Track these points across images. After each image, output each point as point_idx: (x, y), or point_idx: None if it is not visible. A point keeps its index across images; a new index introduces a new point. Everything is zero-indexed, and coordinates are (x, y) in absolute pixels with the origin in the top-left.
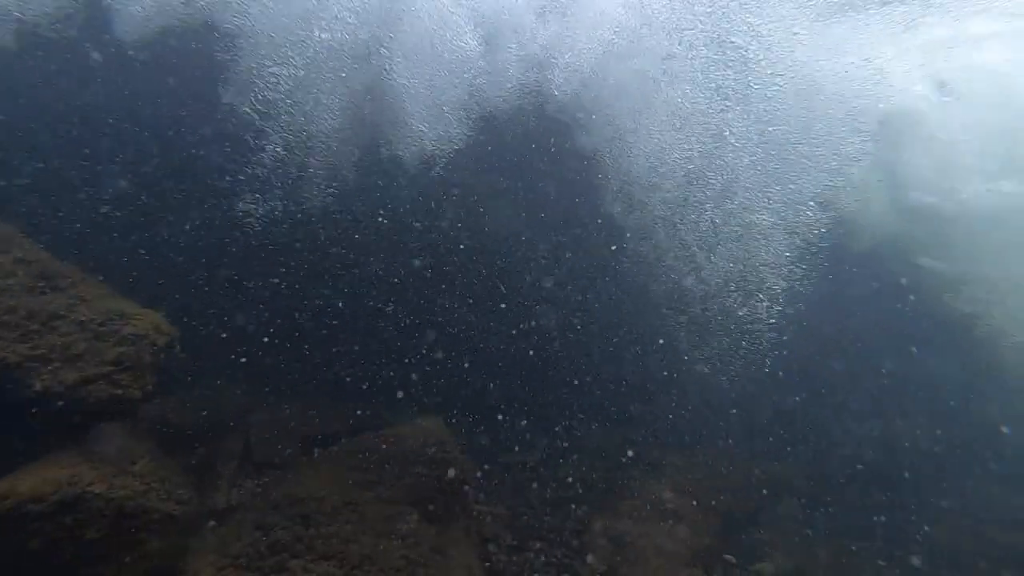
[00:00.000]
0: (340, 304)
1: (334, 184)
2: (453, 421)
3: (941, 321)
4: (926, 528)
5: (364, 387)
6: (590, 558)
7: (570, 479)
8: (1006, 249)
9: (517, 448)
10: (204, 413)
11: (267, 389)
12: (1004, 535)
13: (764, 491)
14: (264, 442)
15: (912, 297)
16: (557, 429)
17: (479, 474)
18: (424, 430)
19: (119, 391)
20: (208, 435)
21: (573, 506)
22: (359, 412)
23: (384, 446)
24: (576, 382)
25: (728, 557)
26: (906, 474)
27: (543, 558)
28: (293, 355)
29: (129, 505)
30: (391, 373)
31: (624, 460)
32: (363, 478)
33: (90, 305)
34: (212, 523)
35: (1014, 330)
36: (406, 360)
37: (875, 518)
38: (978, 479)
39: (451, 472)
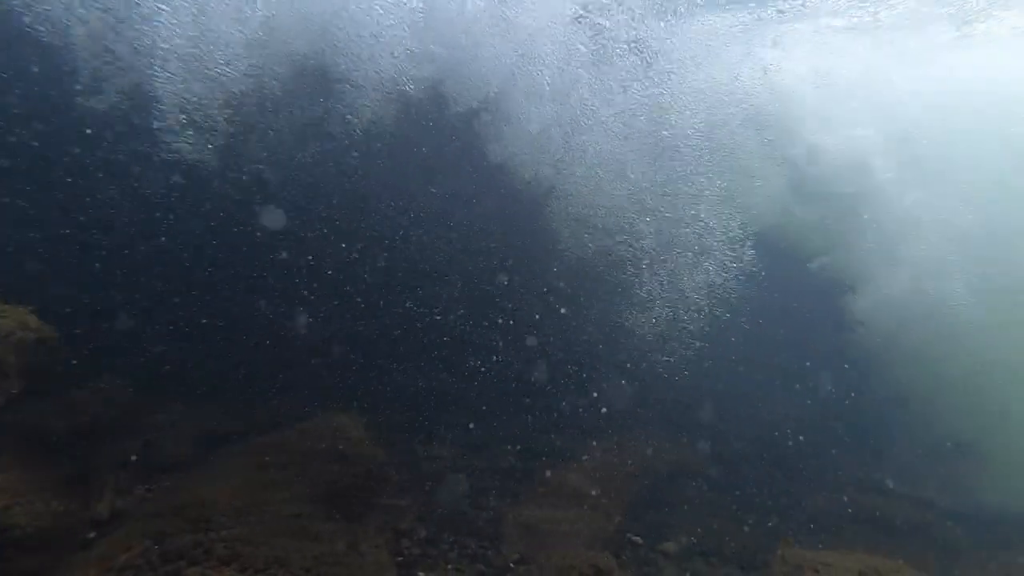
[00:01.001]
0: (243, 297)
1: (217, 173)
2: (365, 416)
3: (824, 305)
4: (804, 499)
5: (270, 383)
6: (504, 546)
7: (484, 470)
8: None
9: (431, 441)
10: (87, 416)
11: (162, 388)
12: (860, 496)
13: (669, 474)
14: (159, 444)
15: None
16: (471, 421)
17: (392, 468)
18: (335, 426)
19: None
20: (92, 440)
21: (487, 496)
22: (265, 409)
23: (293, 443)
24: (489, 373)
25: (635, 538)
26: (790, 452)
27: (457, 549)
28: (193, 351)
29: None
30: (298, 368)
31: (537, 449)
32: (271, 477)
33: None
34: (92, 535)
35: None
36: (315, 354)
37: (766, 495)
38: (844, 451)
39: (363, 467)
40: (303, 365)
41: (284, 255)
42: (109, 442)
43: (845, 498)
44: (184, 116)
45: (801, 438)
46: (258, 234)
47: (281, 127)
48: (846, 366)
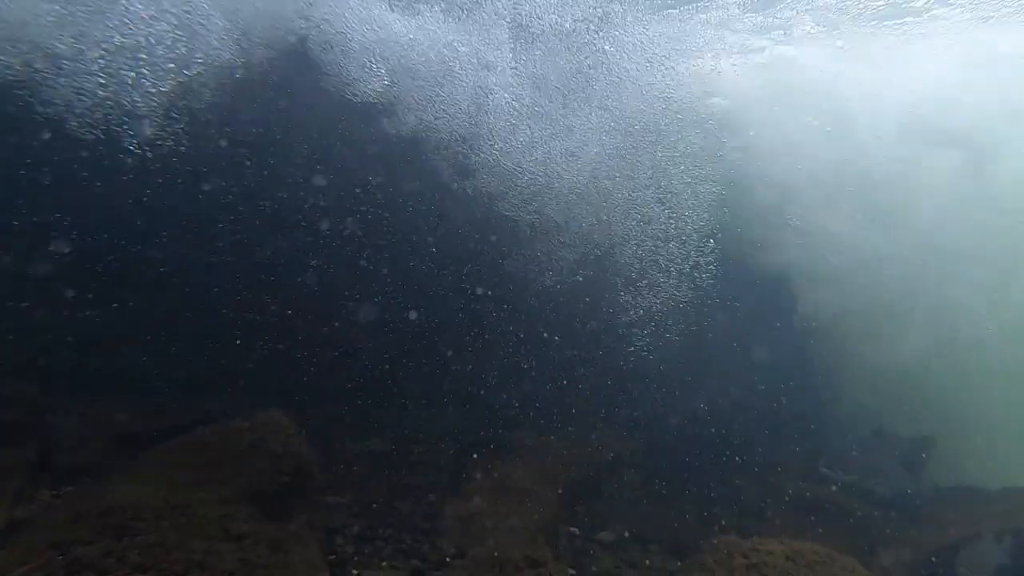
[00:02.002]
0: (165, 289)
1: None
2: (295, 412)
3: (761, 298)
4: (737, 483)
5: (194, 380)
6: (440, 541)
7: (420, 464)
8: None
9: (365, 436)
10: None
11: (72, 386)
12: (790, 483)
13: (605, 465)
14: (67, 446)
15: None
16: (405, 415)
17: (324, 465)
18: (263, 423)
19: None
20: None
21: (423, 491)
22: (187, 408)
23: (217, 442)
24: (424, 366)
25: (572, 529)
26: (726, 442)
27: (392, 545)
28: (107, 347)
29: None
30: (225, 364)
31: (473, 442)
32: (193, 477)
33: None
34: None
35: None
36: (243, 350)
37: (701, 484)
38: (777, 440)
39: (292, 464)
40: (229, 361)
41: (207, 248)
42: (7, 445)
43: (778, 486)
44: None
45: (736, 428)
46: (172, 228)
47: None
48: (783, 357)
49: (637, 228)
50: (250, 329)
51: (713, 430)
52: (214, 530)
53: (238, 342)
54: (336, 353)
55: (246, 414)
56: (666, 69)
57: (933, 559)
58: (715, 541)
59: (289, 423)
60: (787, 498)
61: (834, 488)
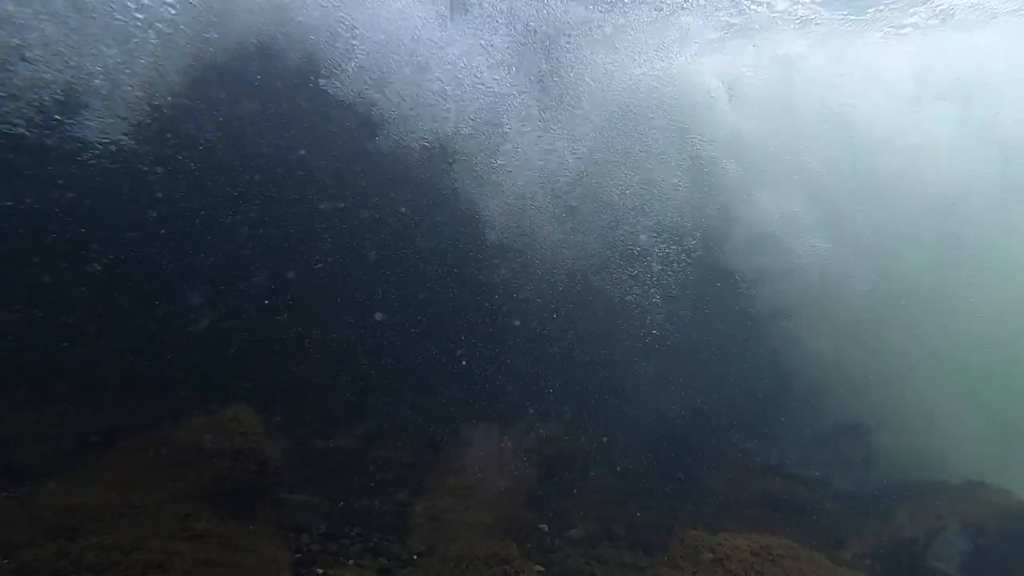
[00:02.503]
0: (125, 284)
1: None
2: (262, 409)
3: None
4: (705, 479)
5: (155, 377)
6: (408, 538)
7: (389, 462)
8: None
9: (333, 434)
10: None
11: (28, 384)
12: (760, 480)
13: (575, 462)
14: (18, 447)
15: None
16: (374, 413)
17: (290, 463)
18: (227, 420)
19: None
20: None
21: (392, 489)
22: (148, 405)
23: (179, 440)
24: (393, 363)
25: (541, 526)
26: (693, 440)
27: (360, 544)
28: (64, 343)
29: None
30: (188, 361)
31: (443, 440)
32: (153, 476)
33: None
34: None
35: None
36: (207, 346)
37: (670, 481)
38: (746, 438)
39: (258, 462)
40: (192, 358)
41: (168, 242)
42: None
43: (744, 482)
44: None
45: (703, 425)
46: (131, 222)
47: None
48: (744, 353)
49: (607, 228)
50: (214, 325)
51: (681, 428)
52: (174, 530)
53: (202, 338)
54: (303, 350)
55: (209, 411)
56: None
57: (897, 551)
58: (682, 537)
59: (254, 421)
60: (754, 494)
61: (799, 483)
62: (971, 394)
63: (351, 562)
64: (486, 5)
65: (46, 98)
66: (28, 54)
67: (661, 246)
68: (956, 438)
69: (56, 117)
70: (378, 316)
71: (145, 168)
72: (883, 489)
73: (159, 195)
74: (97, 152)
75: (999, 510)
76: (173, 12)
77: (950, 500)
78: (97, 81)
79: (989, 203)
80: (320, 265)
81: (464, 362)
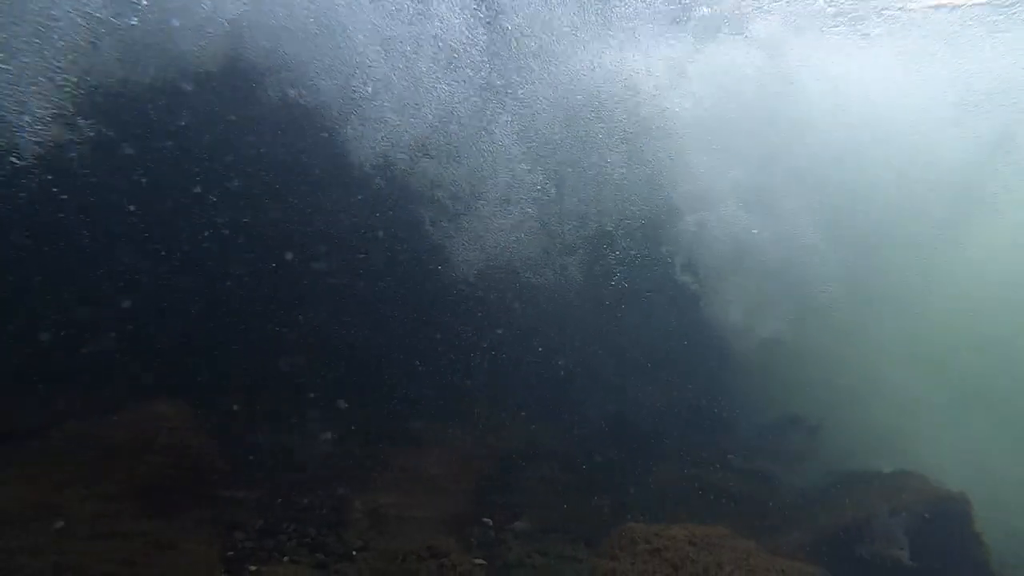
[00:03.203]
0: (45, 273)
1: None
2: (194, 403)
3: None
4: (649, 472)
5: (75, 370)
6: (346, 533)
7: (329, 457)
8: None
9: (270, 428)
10: None
11: None
12: (703, 472)
13: (520, 455)
14: None
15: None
16: (313, 407)
17: (225, 459)
18: (158, 414)
19: None
20: None
21: (332, 484)
22: (68, 399)
23: (100, 436)
24: (333, 356)
25: (485, 520)
26: (639, 433)
27: (296, 540)
28: None
29: None
30: (112, 352)
31: (385, 434)
32: (71, 475)
33: None
34: None
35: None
36: (133, 337)
37: (614, 472)
38: (687, 430)
39: (189, 458)
40: (117, 350)
41: (91, 232)
42: None
43: (688, 474)
44: None
45: (647, 418)
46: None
47: None
48: (690, 348)
49: (554, 224)
50: (142, 314)
51: (626, 421)
52: (98, 529)
53: (128, 328)
54: (237, 342)
55: (134, 406)
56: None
57: (831, 538)
58: (620, 528)
59: (183, 415)
60: (696, 486)
61: (741, 475)
62: (906, 387)
63: (286, 559)
64: None
65: None
66: None
67: (599, 237)
68: (892, 429)
69: None
70: (314, 307)
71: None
72: (822, 479)
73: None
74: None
75: (927, 496)
76: None
77: (883, 488)
78: None
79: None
80: (252, 253)
81: (406, 355)
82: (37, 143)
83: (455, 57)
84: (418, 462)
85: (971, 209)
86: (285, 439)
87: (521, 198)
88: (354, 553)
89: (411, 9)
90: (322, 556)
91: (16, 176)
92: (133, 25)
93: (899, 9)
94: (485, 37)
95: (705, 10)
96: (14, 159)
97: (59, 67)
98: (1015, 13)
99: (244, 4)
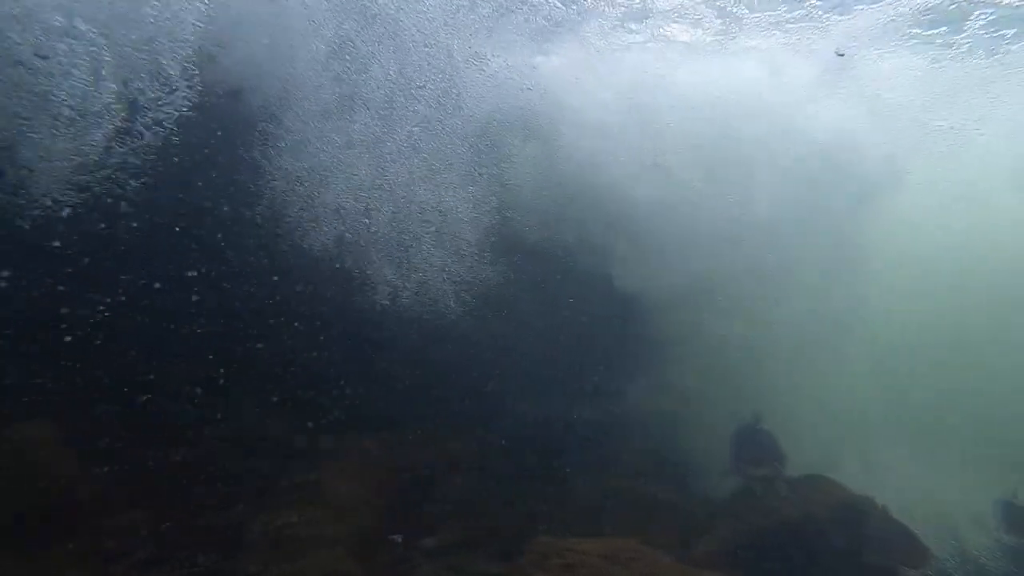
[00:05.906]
0: None
1: None
2: (63, 424)
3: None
4: (568, 484)
5: None
6: (244, 557)
7: (227, 475)
8: None
9: (161, 447)
10: None
11: None
12: (625, 483)
13: (432, 470)
14: None
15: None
16: (207, 424)
17: (104, 483)
18: (23, 438)
19: None
20: None
21: (229, 504)
22: None
23: None
24: (228, 367)
25: (393, 537)
26: (561, 446)
27: (186, 568)
28: None
29: None
30: None
31: (288, 449)
32: None
33: None
34: None
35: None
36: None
37: (533, 486)
38: (609, 441)
39: (59, 484)
40: None
41: None
42: None
43: (609, 486)
44: None
45: (568, 430)
46: None
47: None
48: (615, 358)
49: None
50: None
51: (545, 433)
52: None
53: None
54: (118, 357)
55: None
56: None
57: (743, 546)
58: (532, 543)
59: (53, 437)
60: (617, 497)
61: (658, 485)
62: (813, 391)
63: None
64: None
65: None
66: None
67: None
68: (800, 435)
69: None
70: (208, 319)
71: None
72: (736, 487)
73: None
74: None
75: (833, 500)
76: None
77: (793, 494)
78: None
79: None
80: (140, 262)
81: (311, 367)
82: None
83: None
84: (323, 476)
85: None
86: (173, 454)
87: None
88: None
89: None
90: None
91: None
92: None
93: None
94: None
95: None
96: None
97: None
98: None
99: None
